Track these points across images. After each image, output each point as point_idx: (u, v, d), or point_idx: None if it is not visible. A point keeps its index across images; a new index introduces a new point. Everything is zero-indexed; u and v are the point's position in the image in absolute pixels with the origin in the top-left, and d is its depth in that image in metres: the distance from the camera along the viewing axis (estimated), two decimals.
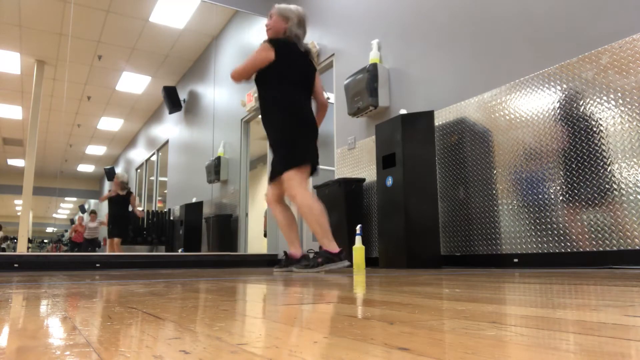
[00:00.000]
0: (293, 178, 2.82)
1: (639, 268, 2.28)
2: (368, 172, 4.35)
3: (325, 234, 2.79)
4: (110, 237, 6.24)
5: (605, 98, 2.52)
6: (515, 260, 2.91)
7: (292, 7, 3.11)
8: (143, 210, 7.00)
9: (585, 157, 2.60)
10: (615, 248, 2.41)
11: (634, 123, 2.39)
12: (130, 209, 6.42)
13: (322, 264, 2.74)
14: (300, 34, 3.09)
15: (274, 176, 2.99)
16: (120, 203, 6.36)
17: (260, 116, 3.09)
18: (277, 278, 2.07)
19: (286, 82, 2.96)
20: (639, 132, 2.37)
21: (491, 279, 1.60)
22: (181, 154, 7.23)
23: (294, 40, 3.05)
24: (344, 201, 4.07)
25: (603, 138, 2.52)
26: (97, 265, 4.43)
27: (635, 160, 2.37)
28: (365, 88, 4.13)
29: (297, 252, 2.97)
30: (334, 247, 2.77)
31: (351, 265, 2.85)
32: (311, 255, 3.00)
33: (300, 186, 2.81)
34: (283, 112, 2.93)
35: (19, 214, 5.53)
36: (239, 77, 2.96)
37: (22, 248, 5.26)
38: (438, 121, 3.59)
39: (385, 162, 3.50)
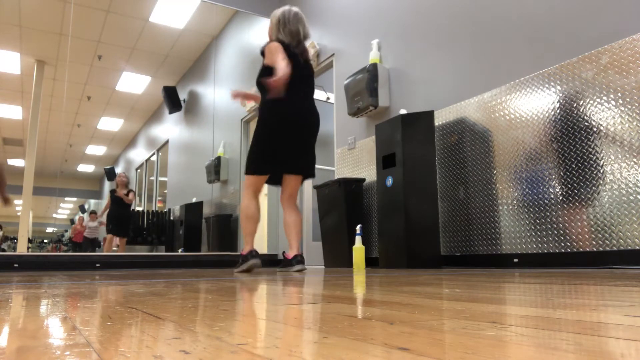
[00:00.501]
0: (246, 181, 3.06)
1: (639, 268, 2.28)
2: (368, 172, 4.35)
3: (245, 236, 3.03)
4: (112, 235, 6.24)
5: (605, 98, 2.52)
6: (515, 260, 2.91)
7: (278, 10, 3.09)
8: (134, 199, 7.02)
9: (585, 157, 2.60)
10: (615, 248, 2.41)
11: (634, 123, 2.39)
12: (131, 208, 6.44)
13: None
14: (283, 37, 3.02)
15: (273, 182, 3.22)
16: (122, 203, 6.37)
17: None
18: (277, 278, 2.08)
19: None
20: (639, 132, 2.37)
21: (491, 279, 1.60)
22: (181, 154, 7.23)
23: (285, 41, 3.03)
24: (344, 201, 4.07)
25: (603, 138, 2.52)
26: (97, 265, 4.43)
27: (635, 160, 2.37)
28: (365, 88, 4.13)
29: (288, 254, 3.01)
30: (247, 250, 2.99)
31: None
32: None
33: (247, 189, 3.04)
34: (263, 120, 2.98)
35: (19, 214, 5.53)
36: (286, 74, 2.80)
37: (22, 248, 5.26)
38: (438, 121, 3.59)
39: (385, 162, 3.50)
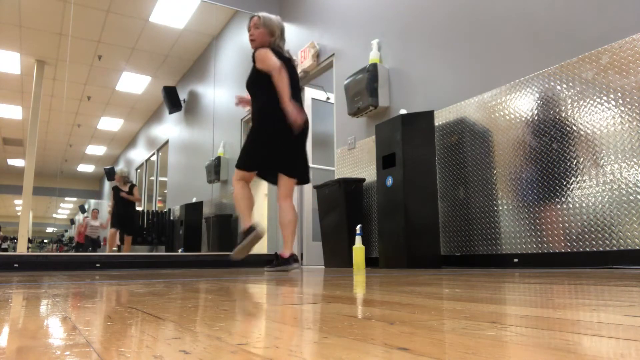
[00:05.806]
0: (235, 175, 3.11)
1: (639, 268, 2.28)
2: (368, 172, 4.35)
3: (242, 218, 3.02)
4: (115, 229, 6.21)
5: (605, 98, 2.52)
6: (515, 260, 2.91)
7: (274, 18, 3.14)
8: (140, 199, 7.00)
9: (585, 157, 2.60)
10: (615, 248, 2.41)
11: (634, 123, 2.39)
12: (138, 205, 6.44)
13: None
14: (282, 46, 3.17)
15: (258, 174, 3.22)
16: (125, 201, 6.35)
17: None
18: (276, 278, 2.07)
19: (275, 89, 2.99)
20: (639, 132, 2.37)
21: (491, 279, 1.60)
22: (181, 154, 7.23)
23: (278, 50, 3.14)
24: (344, 201, 4.07)
25: (603, 138, 2.52)
26: (97, 265, 4.43)
27: (635, 160, 2.37)
28: (365, 88, 4.13)
29: (284, 252, 3.01)
30: (245, 225, 2.98)
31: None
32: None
33: (236, 180, 3.09)
34: (258, 122, 3.03)
35: (19, 214, 5.53)
36: (288, 89, 2.95)
37: (22, 248, 5.26)
38: (438, 121, 3.59)
39: (385, 162, 3.50)
